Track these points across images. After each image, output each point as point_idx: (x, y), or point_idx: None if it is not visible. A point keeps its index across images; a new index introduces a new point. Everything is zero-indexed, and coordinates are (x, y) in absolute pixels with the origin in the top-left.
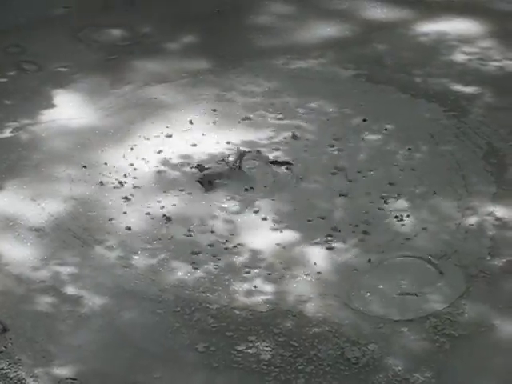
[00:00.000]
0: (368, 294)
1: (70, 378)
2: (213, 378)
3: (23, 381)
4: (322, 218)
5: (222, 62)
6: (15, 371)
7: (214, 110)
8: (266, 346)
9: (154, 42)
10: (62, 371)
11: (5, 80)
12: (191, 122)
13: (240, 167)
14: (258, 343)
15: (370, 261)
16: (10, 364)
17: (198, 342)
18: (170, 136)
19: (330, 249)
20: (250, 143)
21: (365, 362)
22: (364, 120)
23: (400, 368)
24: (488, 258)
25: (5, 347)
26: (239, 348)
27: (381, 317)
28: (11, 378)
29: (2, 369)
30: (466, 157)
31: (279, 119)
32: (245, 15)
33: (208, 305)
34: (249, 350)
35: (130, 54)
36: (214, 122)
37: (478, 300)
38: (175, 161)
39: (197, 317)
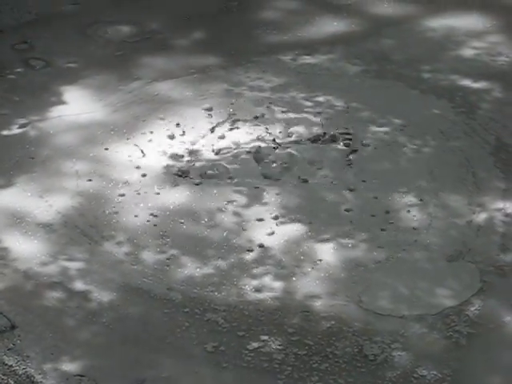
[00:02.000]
0: (382, 291)
1: (79, 375)
2: (222, 376)
3: (32, 378)
4: (330, 213)
5: (230, 58)
6: (24, 368)
7: (222, 106)
8: (279, 345)
9: (162, 39)
10: (71, 368)
11: (13, 77)
12: (199, 118)
13: None
14: (271, 342)
15: (380, 258)
16: (18, 361)
17: (207, 342)
18: (179, 131)
19: (339, 245)
20: (259, 138)
21: (382, 359)
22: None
23: (417, 365)
24: (500, 255)
25: (13, 344)
26: (250, 347)
27: (395, 314)
28: (20, 375)
29: (11, 366)
30: (475, 153)
31: (287, 114)
32: (252, 11)
33: (217, 304)
34: (261, 349)
35: (139, 50)
36: (222, 118)
37: (491, 297)
38: (184, 156)
39: (207, 316)
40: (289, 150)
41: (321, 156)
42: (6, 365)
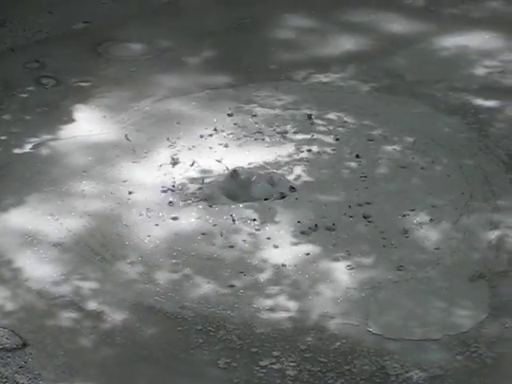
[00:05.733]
0: (398, 311)
1: None
2: None
3: None
4: (344, 232)
5: (242, 76)
6: None
7: (233, 123)
8: (292, 362)
9: (173, 56)
10: None
11: (24, 95)
12: (210, 135)
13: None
14: (284, 359)
15: (397, 278)
16: (29, 379)
17: (219, 358)
18: (190, 149)
19: (352, 265)
20: (267, 157)
21: (401, 378)
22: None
23: (437, 381)
24: None
25: (24, 362)
26: (263, 364)
27: (412, 334)
28: None
29: None
30: (489, 170)
31: (298, 132)
32: (265, 29)
33: (231, 322)
34: (273, 366)
35: (150, 68)
36: (233, 135)
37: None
38: (194, 175)
39: (220, 334)
40: (300, 168)
41: (333, 174)
42: (18, 383)
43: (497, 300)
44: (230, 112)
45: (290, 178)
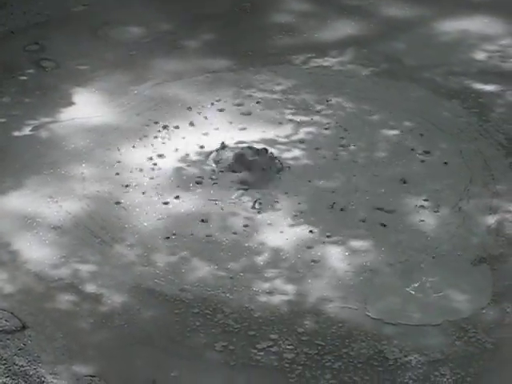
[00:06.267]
0: (397, 297)
1: (90, 376)
2: (231, 375)
3: (42, 378)
4: (342, 216)
5: (241, 60)
6: (34, 368)
7: (233, 108)
8: (289, 345)
9: (173, 39)
10: (82, 369)
11: (24, 78)
12: (210, 119)
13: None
14: (281, 342)
15: (396, 261)
16: (29, 361)
17: (217, 341)
18: (189, 133)
19: (350, 249)
20: (267, 140)
21: (399, 361)
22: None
23: (437, 365)
24: None
25: (24, 344)
26: (260, 347)
27: (409, 320)
28: (30, 375)
29: (22, 366)
30: (489, 155)
31: (297, 116)
32: (265, 13)
33: (229, 305)
34: (270, 349)
35: (149, 51)
36: (232, 119)
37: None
38: (193, 158)
39: (218, 317)
40: (298, 151)
41: (331, 158)
42: (17, 365)
43: (497, 285)
44: (230, 96)
45: (288, 160)
